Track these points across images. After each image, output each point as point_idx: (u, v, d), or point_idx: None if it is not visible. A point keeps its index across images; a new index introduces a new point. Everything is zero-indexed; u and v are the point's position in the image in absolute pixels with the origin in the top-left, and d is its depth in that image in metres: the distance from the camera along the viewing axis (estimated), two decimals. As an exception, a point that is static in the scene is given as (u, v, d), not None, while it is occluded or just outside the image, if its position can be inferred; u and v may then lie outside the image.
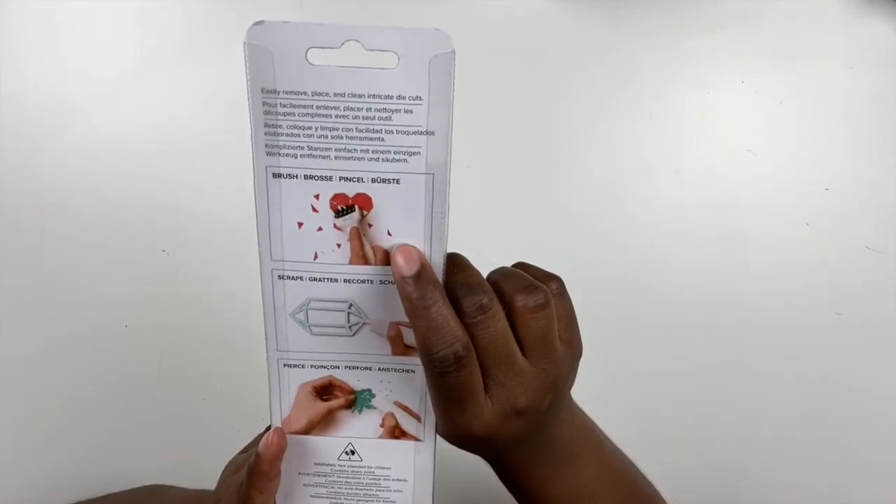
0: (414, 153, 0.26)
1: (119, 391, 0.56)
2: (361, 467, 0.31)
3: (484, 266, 0.64)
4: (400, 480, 0.31)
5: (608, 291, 0.60)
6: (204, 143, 0.66)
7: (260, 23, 0.24)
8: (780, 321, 0.58)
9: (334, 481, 0.31)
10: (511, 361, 0.26)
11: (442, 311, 0.25)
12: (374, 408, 0.30)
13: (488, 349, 0.26)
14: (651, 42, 0.73)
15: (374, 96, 0.25)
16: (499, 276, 0.29)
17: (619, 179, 0.66)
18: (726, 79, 0.71)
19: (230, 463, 0.36)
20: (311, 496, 0.31)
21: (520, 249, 0.64)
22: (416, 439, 0.30)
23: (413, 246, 0.27)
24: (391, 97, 0.25)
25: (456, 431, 0.28)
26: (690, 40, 0.73)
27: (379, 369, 0.29)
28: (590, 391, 0.56)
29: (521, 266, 0.31)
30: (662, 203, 0.64)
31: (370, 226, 0.27)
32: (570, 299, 0.30)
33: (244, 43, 0.24)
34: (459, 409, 0.26)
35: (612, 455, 0.35)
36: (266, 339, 0.29)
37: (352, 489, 0.31)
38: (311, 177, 0.26)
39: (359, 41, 0.24)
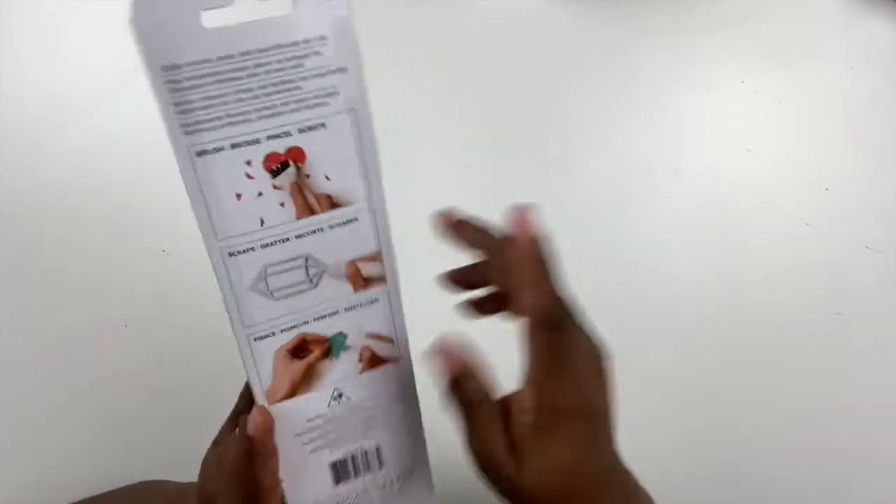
0: (332, 93, 0.26)
1: (119, 391, 0.56)
2: (353, 407, 0.31)
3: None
4: (391, 404, 0.31)
5: (608, 291, 0.60)
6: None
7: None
8: (780, 321, 0.58)
9: (330, 430, 0.31)
10: None
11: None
12: (349, 347, 0.30)
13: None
14: (651, 42, 0.73)
15: (279, 46, 0.24)
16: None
17: (619, 179, 0.66)
18: (726, 79, 0.71)
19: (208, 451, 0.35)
20: (310, 452, 0.30)
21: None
22: (394, 360, 0.31)
23: None
24: (297, 43, 0.24)
25: (551, 401, 0.25)
26: (690, 40, 0.73)
27: (346, 310, 0.29)
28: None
29: None
30: (662, 203, 0.64)
31: (308, 176, 0.26)
32: None
33: (129, 21, 0.22)
34: (563, 373, 0.25)
35: None
36: (231, 320, 0.28)
37: (348, 430, 0.31)
38: (238, 145, 0.25)
39: None
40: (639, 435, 0.54)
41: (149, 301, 0.59)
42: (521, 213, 0.27)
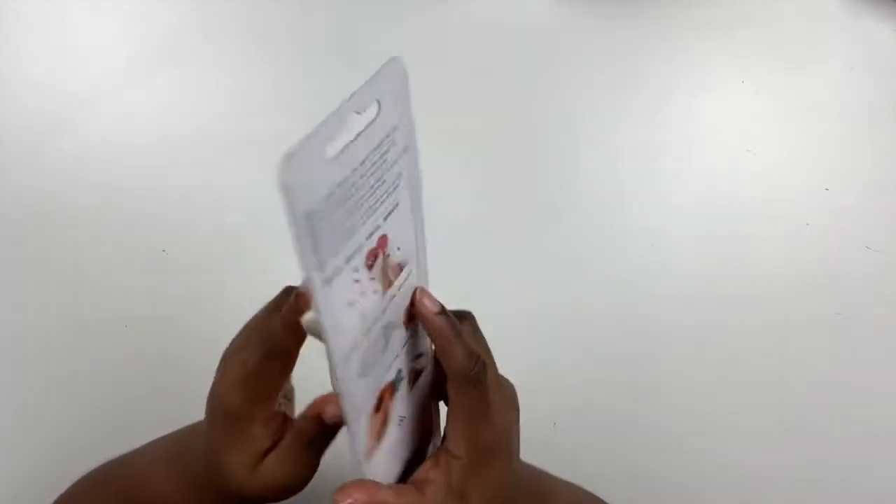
0: (401, 174, 0.26)
1: (118, 391, 0.56)
2: (406, 423, 0.32)
3: (484, 266, 0.64)
4: (423, 408, 0.33)
5: (608, 291, 0.60)
6: (203, 142, 0.66)
7: (289, 157, 0.20)
8: (780, 321, 0.58)
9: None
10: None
11: (468, 336, 0.29)
12: (403, 377, 0.31)
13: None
14: (651, 42, 0.73)
15: (374, 150, 0.24)
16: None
17: (619, 180, 0.66)
18: (726, 79, 0.71)
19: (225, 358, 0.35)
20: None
21: (520, 249, 0.64)
22: (424, 368, 0.32)
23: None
24: (382, 141, 0.24)
25: (480, 445, 0.30)
26: (690, 40, 0.73)
27: (402, 348, 0.30)
28: (588, 389, 0.56)
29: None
30: (662, 203, 0.64)
31: (388, 256, 0.27)
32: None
33: (282, 184, 0.20)
34: (487, 420, 0.29)
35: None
36: (345, 412, 0.27)
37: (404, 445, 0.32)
38: (350, 258, 0.24)
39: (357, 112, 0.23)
40: (636, 433, 0.54)
41: (149, 301, 0.59)
42: (418, 301, 0.29)
